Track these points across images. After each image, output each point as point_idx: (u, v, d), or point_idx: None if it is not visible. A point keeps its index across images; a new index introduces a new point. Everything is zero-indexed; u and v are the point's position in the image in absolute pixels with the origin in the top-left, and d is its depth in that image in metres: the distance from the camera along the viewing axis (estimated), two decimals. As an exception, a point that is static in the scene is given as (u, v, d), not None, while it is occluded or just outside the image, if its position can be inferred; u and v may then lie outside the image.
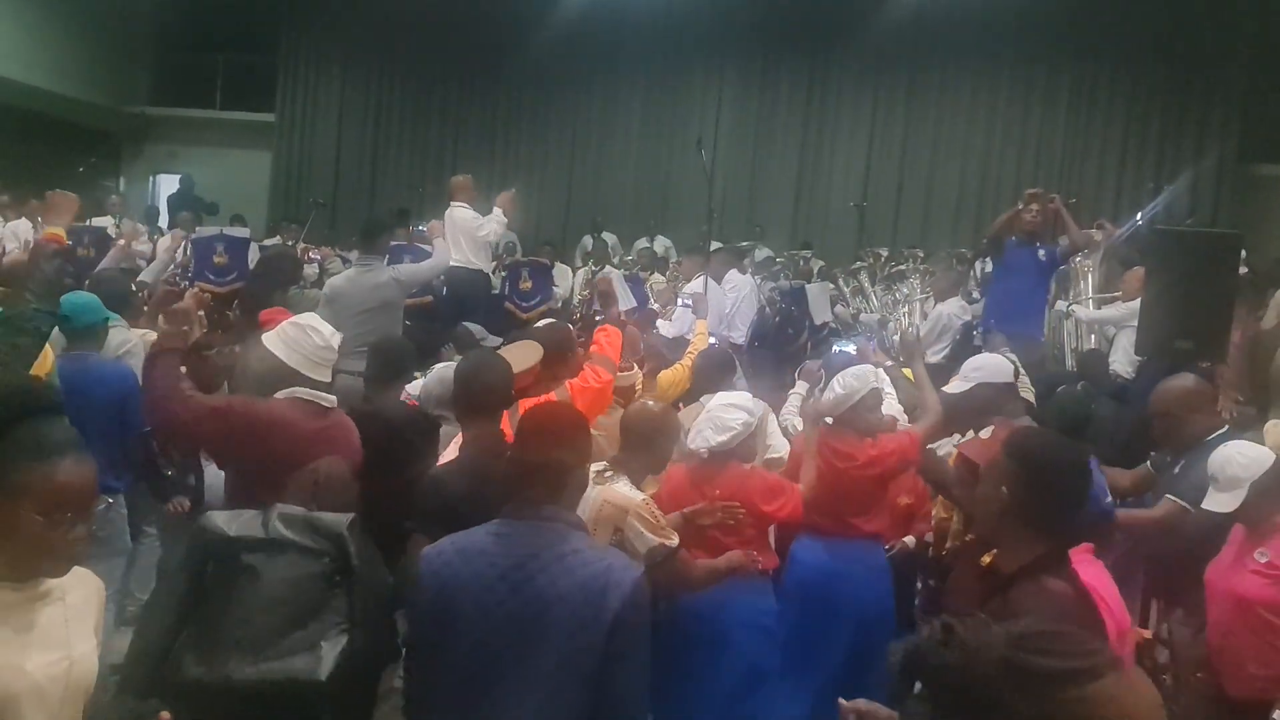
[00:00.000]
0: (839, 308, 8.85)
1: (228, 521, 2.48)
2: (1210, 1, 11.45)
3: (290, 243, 9.85)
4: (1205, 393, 3.96)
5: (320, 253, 8.95)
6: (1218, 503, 3.31)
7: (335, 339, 3.31)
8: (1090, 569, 2.60)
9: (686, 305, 7.27)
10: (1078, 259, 7.61)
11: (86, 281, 5.24)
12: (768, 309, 8.24)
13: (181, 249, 7.77)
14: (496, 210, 8.53)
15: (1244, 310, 6.20)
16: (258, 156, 15.95)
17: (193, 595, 2.43)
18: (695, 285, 7.93)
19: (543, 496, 2.23)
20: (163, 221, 12.59)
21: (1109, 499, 2.83)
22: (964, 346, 7.34)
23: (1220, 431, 3.80)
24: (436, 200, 12.50)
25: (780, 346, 7.71)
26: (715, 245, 9.49)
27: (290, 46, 15.88)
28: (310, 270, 7.84)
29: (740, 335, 8.05)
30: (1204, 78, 11.87)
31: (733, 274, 8.34)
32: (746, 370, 5.30)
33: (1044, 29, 12.46)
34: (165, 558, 4.25)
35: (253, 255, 8.37)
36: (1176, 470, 3.74)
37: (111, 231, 9.62)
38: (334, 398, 3.28)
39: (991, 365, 3.98)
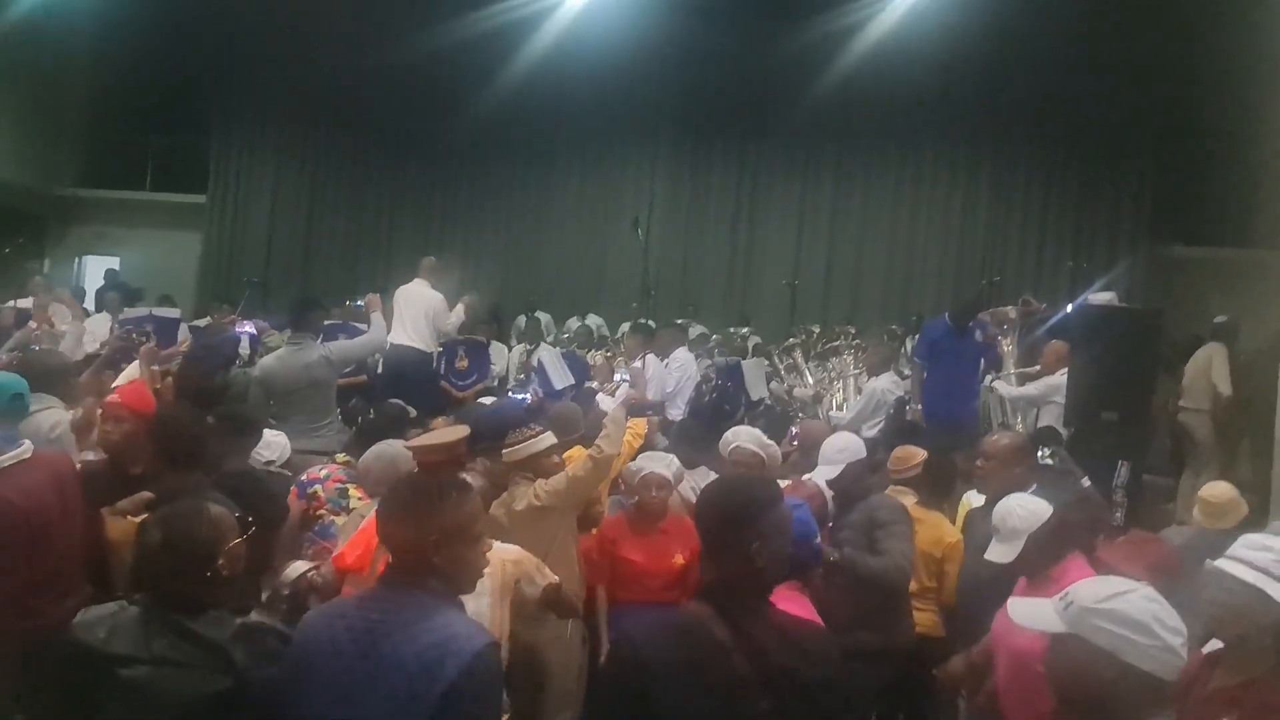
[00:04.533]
0: (774, 384, 8.95)
1: (99, 629, 2.26)
2: (1121, 90, 12.07)
3: (225, 320, 9.67)
4: (1026, 451, 4.30)
5: (255, 325, 8.80)
6: (998, 553, 3.40)
7: None
8: (793, 604, 2.77)
9: (626, 382, 7.29)
10: (998, 337, 7.85)
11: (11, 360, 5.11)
12: (703, 385, 8.29)
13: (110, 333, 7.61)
14: (459, 308, 8.71)
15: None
16: (188, 238, 15.75)
17: (71, 711, 2.23)
18: (647, 362, 8.02)
19: (412, 566, 2.21)
20: (88, 304, 12.29)
21: (817, 541, 3.02)
22: (897, 420, 7.45)
23: (1030, 490, 3.91)
24: (369, 280, 12.47)
25: (717, 422, 7.74)
26: (648, 323, 9.62)
27: (222, 127, 15.83)
28: (243, 349, 7.70)
29: (679, 412, 8.08)
30: (1115, 163, 12.49)
31: (679, 352, 8.44)
32: (682, 444, 5.32)
33: (965, 116, 13.00)
34: None
35: (182, 334, 8.22)
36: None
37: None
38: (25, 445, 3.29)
39: (853, 445, 4.33)
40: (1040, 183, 12.94)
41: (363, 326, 7.81)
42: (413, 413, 5.99)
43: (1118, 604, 2.00)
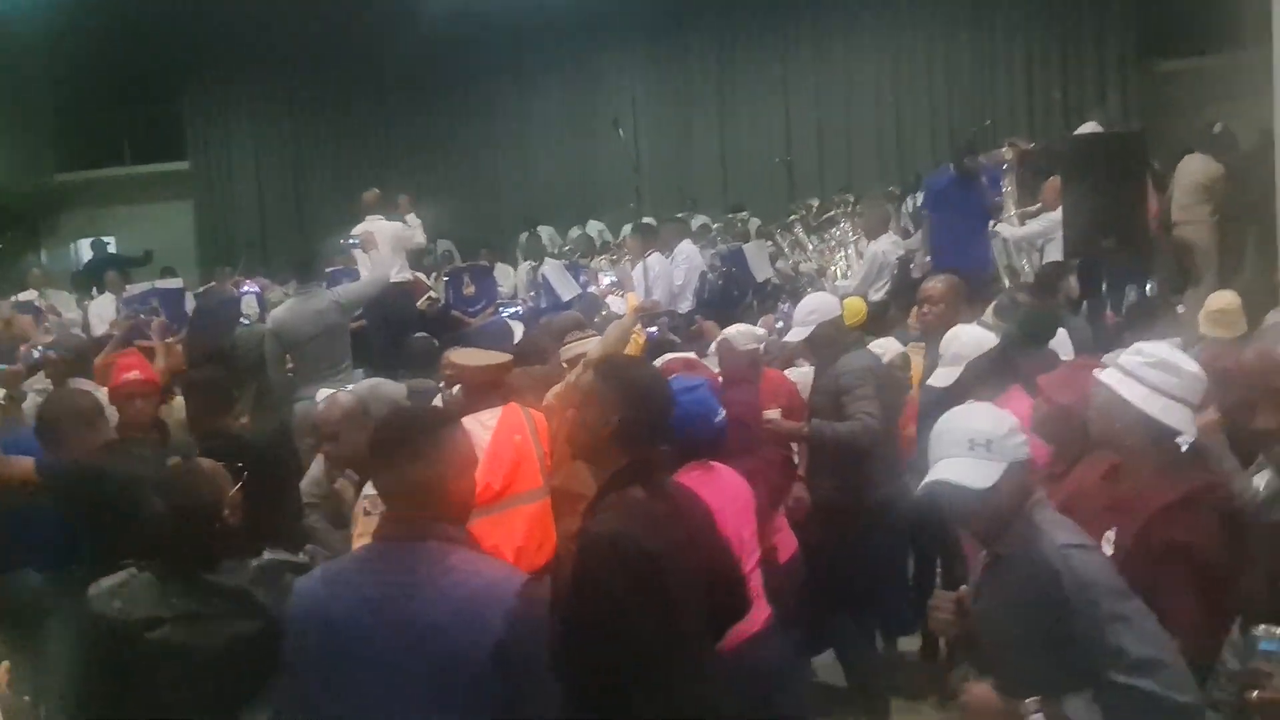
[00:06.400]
0: (779, 263, 8.98)
1: (114, 599, 2.26)
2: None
3: (227, 282, 9.76)
4: (963, 290, 4.26)
5: (257, 283, 8.89)
6: (938, 378, 3.48)
7: None
8: (713, 481, 2.84)
9: (614, 282, 7.38)
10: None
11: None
12: (709, 274, 8.34)
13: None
14: (410, 216, 8.71)
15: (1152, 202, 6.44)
16: (179, 207, 15.73)
17: (105, 685, 2.24)
18: (651, 260, 8.14)
19: (413, 513, 2.00)
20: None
21: (720, 418, 3.01)
22: (903, 282, 7.48)
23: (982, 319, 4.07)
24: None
25: (726, 309, 7.81)
26: (648, 220, 9.63)
27: (195, 90, 15.65)
28: (249, 305, 7.79)
29: (689, 305, 8.16)
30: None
31: (683, 245, 8.45)
32: (690, 337, 5.42)
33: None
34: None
35: (189, 305, 8.33)
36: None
37: (38, 304, 9.51)
38: None
39: (824, 306, 4.32)
40: (1022, 17, 12.62)
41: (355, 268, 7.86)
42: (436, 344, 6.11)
43: (1011, 421, 2.18)
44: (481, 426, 3.37)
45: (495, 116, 14.92)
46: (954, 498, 2.14)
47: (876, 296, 7.32)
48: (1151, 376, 2.33)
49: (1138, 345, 2.48)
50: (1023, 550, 2.09)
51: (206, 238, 15.53)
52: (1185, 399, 2.32)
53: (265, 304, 7.97)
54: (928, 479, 2.18)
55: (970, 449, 2.12)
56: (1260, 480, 2.21)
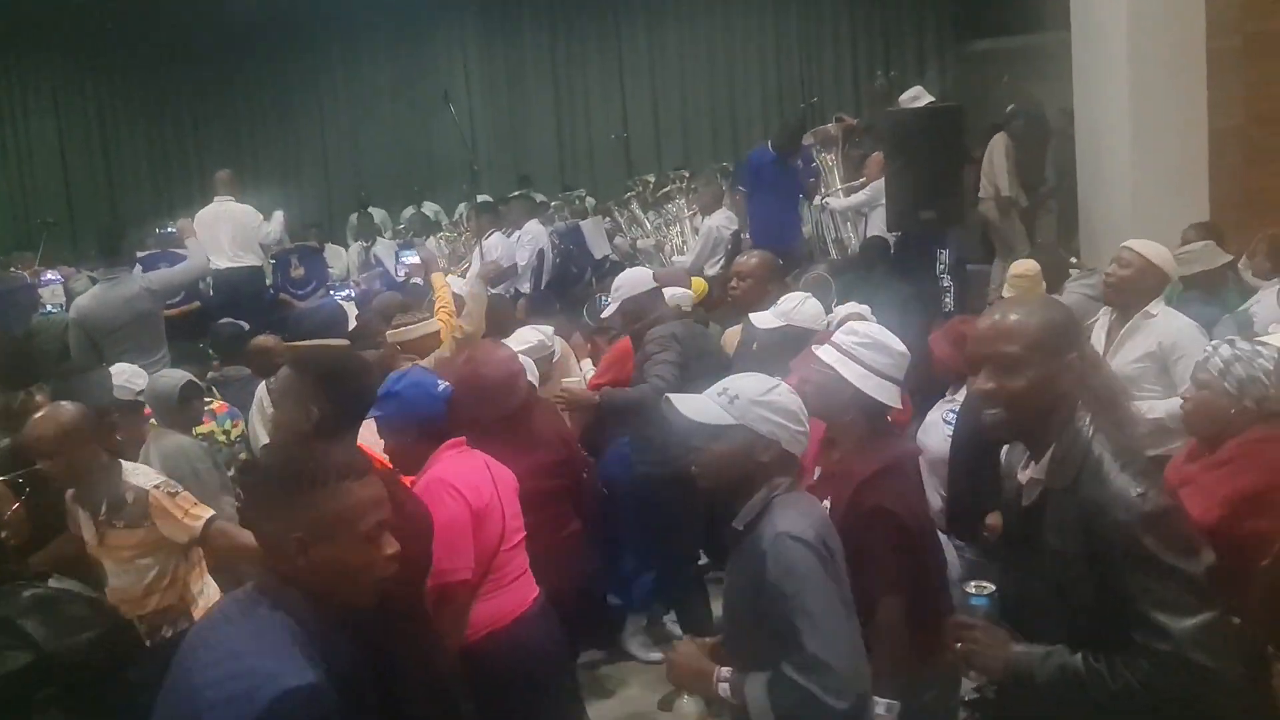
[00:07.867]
0: (618, 239, 9.00)
1: None
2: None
3: (16, 269, 9.04)
4: (775, 268, 4.38)
5: (61, 271, 8.27)
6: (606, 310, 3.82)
7: None
8: (466, 463, 2.88)
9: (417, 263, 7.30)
10: (823, 154, 8.03)
11: None
12: (548, 253, 8.27)
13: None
14: (278, 214, 8.35)
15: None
16: (-29, 188, 14.49)
17: None
18: (492, 241, 8.01)
19: (275, 570, 1.72)
20: None
21: (442, 389, 2.97)
22: (735, 254, 7.61)
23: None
24: (185, 202, 11.81)
25: (566, 287, 7.78)
26: (483, 199, 9.49)
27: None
28: (54, 294, 7.23)
29: (527, 285, 8.07)
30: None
31: (530, 224, 8.29)
32: (536, 315, 5.36)
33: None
34: None
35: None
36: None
37: None
38: None
39: (630, 281, 4.36)
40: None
41: (183, 253, 7.42)
42: (246, 328, 5.83)
43: (775, 396, 2.19)
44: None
45: (322, 89, 14.40)
46: (669, 416, 2.22)
47: (712, 271, 7.43)
48: (865, 355, 2.48)
49: (850, 325, 2.64)
50: (752, 529, 2.14)
51: (3, 219, 14.36)
52: (893, 376, 2.50)
53: (71, 293, 7.43)
54: (669, 396, 2.26)
55: (719, 394, 2.19)
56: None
